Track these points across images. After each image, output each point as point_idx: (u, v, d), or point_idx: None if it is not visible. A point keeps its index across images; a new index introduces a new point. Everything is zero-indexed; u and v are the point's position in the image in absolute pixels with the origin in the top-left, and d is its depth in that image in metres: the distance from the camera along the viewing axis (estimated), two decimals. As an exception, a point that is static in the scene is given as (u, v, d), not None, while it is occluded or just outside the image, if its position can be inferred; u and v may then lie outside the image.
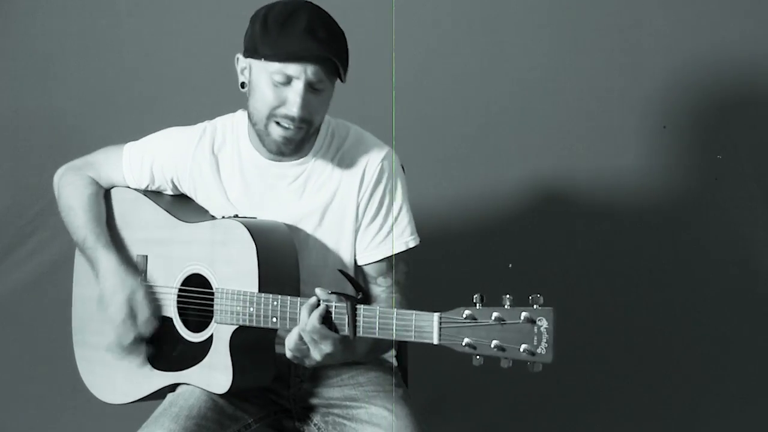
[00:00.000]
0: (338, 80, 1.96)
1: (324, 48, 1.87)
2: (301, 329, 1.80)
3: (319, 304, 1.80)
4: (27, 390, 3.07)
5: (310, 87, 1.90)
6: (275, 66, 1.89)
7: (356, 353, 1.92)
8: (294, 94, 1.89)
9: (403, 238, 2.05)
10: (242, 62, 1.98)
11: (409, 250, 2.07)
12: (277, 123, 1.93)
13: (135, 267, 2.11)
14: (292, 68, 1.88)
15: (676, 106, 2.84)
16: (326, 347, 1.81)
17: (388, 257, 2.05)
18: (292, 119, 1.91)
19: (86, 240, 2.11)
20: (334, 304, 1.79)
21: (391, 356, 2.21)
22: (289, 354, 1.86)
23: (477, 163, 2.92)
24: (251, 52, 1.93)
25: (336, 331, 1.79)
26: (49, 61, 3.03)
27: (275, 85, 1.90)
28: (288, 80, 1.89)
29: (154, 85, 3.01)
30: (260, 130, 1.97)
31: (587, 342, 2.88)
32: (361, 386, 2.06)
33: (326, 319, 1.79)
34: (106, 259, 2.07)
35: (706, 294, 2.88)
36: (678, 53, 2.83)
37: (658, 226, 2.88)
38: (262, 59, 1.90)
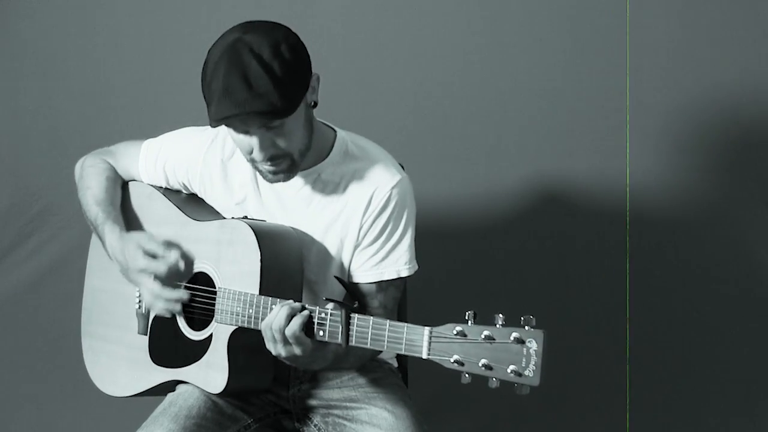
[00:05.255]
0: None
1: (241, 108, 1.80)
2: (276, 328, 1.79)
3: (302, 310, 1.80)
4: (27, 390, 3.06)
5: (266, 128, 1.86)
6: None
7: (329, 360, 1.90)
8: (254, 144, 1.88)
9: (396, 266, 2.03)
10: None
11: (400, 279, 2.05)
12: (258, 163, 1.92)
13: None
14: (234, 127, 1.87)
15: (676, 106, 2.84)
16: (296, 350, 1.80)
17: (378, 281, 2.03)
18: (265, 160, 1.90)
19: (97, 217, 2.12)
20: (329, 312, 1.78)
21: (391, 357, 2.22)
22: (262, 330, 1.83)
23: (477, 163, 2.92)
24: None
25: (313, 337, 1.79)
26: (49, 61, 3.03)
27: (237, 133, 1.89)
28: (245, 131, 1.88)
29: (154, 85, 3.00)
30: (253, 168, 1.98)
31: (587, 342, 2.88)
32: (361, 387, 2.07)
33: (307, 326, 1.79)
34: (110, 231, 2.08)
35: (706, 294, 2.88)
36: (678, 53, 2.83)
37: (657, 226, 2.87)
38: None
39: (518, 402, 2.80)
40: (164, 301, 2.00)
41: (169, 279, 2.00)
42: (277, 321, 1.79)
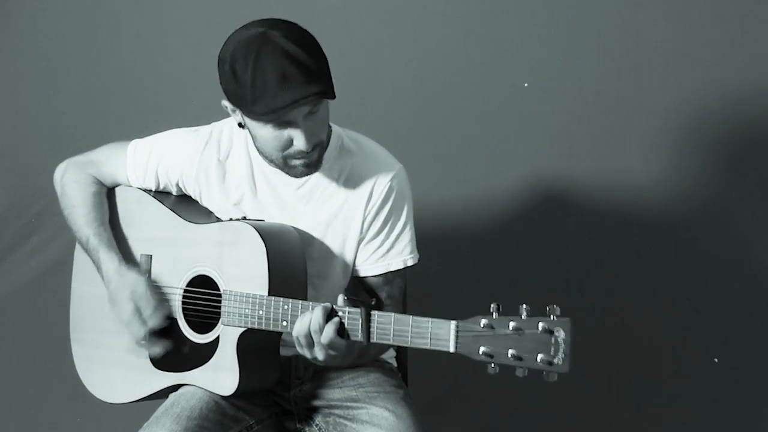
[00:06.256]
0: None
1: (305, 89, 1.80)
2: (313, 330, 1.80)
3: (332, 311, 1.80)
4: (27, 390, 3.06)
5: (310, 117, 1.87)
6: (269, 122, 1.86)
7: (355, 355, 1.92)
8: (297, 133, 1.86)
9: (402, 256, 2.05)
10: (230, 107, 1.93)
11: (406, 268, 2.07)
12: (294, 158, 1.91)
13: (137, 265, 2.11)
14: (286, 118, 1.85)
15: (676, 106, 2.85)
16: (333, 352, 1.81)
17: (385, 273, 2.05)
18: (306, 152, 1.89)
19: (89, 241, 2.11)
20: (347, 310, 1.79)
21: (391, 357, 2.22)
22: (294, 338, 1.84)
23: (477, 163, 2.92)
24: (236, 105, 1.88)
25: (348, 337, 1.79)
26: (49, 61, 3.03)
27: (275, 129, 1.87)
28: (287, 123, 1.86)
29: (154, 85, 3.01)
30: (279, 166, 1.95)
31: (586, 342, 2.87)
32: (361, 387, 2.07)
33: (340, 330, 1.79)
34: (108, 260, 2.07)
35: (705, 294, 2.88)
36: (678, 54, 2.84)
37: (658, 226, 2.88)
38: (253, 120, 1.87)
39: (518, 401, 2.83)
40: (144, 349, 2.04)
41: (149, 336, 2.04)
42: (314, 327, 1.79)
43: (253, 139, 1.95)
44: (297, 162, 1.92)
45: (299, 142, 1.87)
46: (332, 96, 1.86)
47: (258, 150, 1.96)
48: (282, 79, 1.79)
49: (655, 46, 2.84)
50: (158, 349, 2.03)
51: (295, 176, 1.97)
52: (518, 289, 2.89)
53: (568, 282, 2.90)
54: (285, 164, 1.94)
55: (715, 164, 2.85)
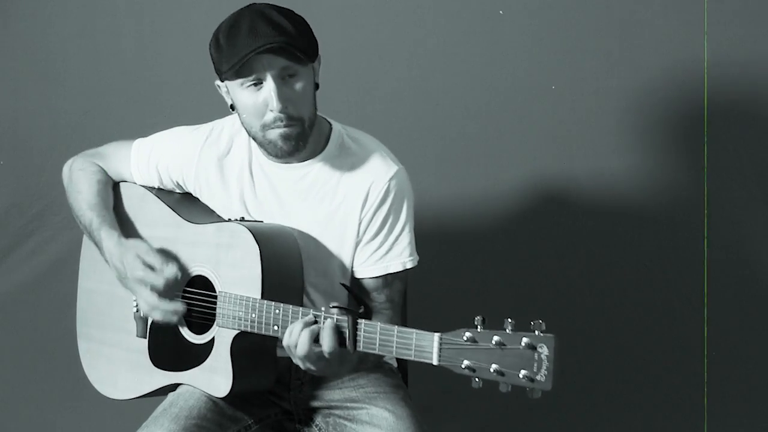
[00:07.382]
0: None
1: (270, 39, 1.85)
2: (290, 344, 1.80)
3: (315, 322, 1.79)
4: (27, 390, 3.06)
5: (281, 78, 1.89)
6: (241, 78, 1.90)
7: (353, 363, 1.91)
8: (269, 91, 1.89)
9: (401, 258, 2.05)
10: (222, 86, 1.99)
11: (406, 271, 2.06)
12: (271, 128, 1.93)
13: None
14: (255, 70, 1.89)
15: (676, 105, 2.84)
16: (322, 364, 1.81)
17: (384, 275, 2.05)
18: (280, 119, 1.91)
19: (92, 222, 2.11)
20: (335, 317, 1.78)
21: (391, 358, 2.22)
22: (286, 347, 1.84)
23: (477, 163, 2.92)
24: (220, 74, 1.95)
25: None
26: (49, 61, 3.03)
27: (251, 92, 1.91)
28: (259, 81, 1.90)
29: (154, 85, 3.00)
30: (261, 142, 1.97)
31: (586, 342, 2.88)
32: (361, 388, 2.07)
33: (317, 339, 1.79)
34: (108, 237, 2.07)
35: (707, 294, 2.87)
36: (677, 52, 2.83)
37: (657, 226, 2.87)
38: (229, 78, 1.92)
39: (518, 402, 2.81)
40: (161, 312, 1.99)
41: (167, 291, 1.99)
42: (300, 345, 1.79)
43: (240, 117, 1.98)
44: (274, 133, 1.92)
45: (272, 102, 1.89)
46: (300, 54, 1.88)
47: (245, 128, 1.99)
48: (251, 31, 1.86)
49: (653, 44, 2.83)
50: (179, 306, 1.98)
51: (276, 155, 1.97)
52: (519, 290, 2.89)
53: (568, 282, 2.90)
54: (265, 138, 1.95)
55: (716, 164, 2.84)
